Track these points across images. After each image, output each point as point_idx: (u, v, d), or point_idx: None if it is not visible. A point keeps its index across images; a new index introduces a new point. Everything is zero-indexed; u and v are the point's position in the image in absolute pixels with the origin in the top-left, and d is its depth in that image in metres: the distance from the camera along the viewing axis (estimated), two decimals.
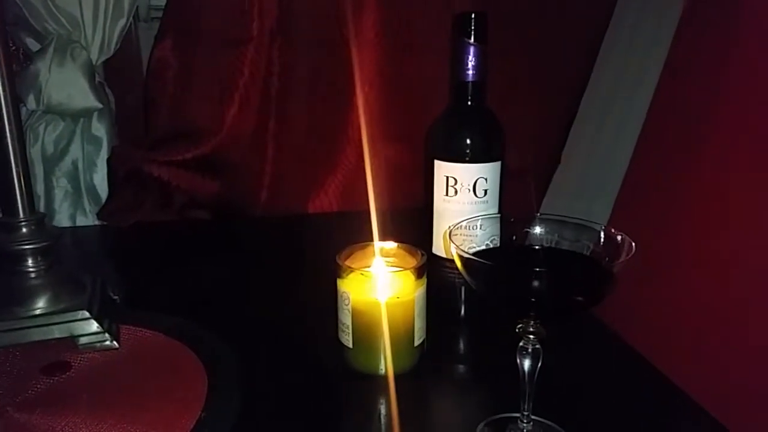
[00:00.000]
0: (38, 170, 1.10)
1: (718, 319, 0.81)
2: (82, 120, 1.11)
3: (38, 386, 0.63)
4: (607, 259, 0.54)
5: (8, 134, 0.68)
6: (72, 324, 0.69)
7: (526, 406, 0.57)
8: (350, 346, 0.66)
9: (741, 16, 0.88)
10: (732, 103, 0.86)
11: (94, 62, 1.09)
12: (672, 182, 0.94)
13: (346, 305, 0.65)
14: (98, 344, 0.69)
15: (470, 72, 0.74)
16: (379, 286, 0.65)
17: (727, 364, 0.78)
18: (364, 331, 0.65)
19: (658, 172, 0.99)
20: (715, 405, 0.61)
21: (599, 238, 0.56)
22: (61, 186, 1.13)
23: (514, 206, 0.79)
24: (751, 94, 0.83)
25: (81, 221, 1.15)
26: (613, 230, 0.55)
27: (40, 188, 1.11)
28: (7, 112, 0.67)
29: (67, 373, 0.65)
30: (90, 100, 1.08)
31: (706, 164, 0.88)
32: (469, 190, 0.74)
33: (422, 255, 0.67)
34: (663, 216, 0.94)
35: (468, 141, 0.75)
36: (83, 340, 0.69)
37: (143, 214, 1.14)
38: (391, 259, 0.70)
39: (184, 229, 1.16)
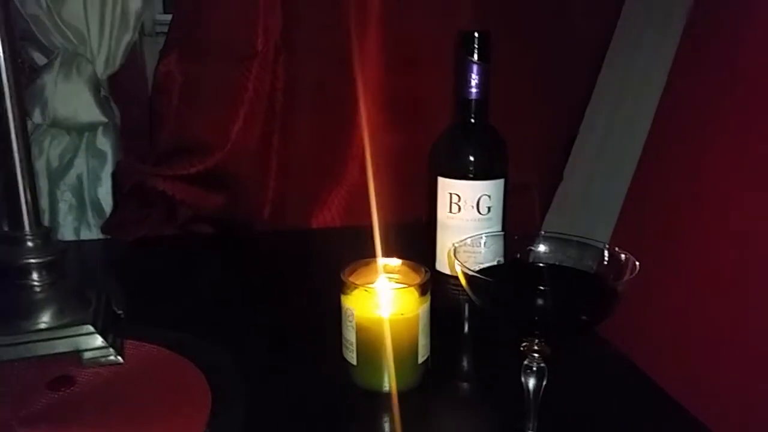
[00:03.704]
0: (43, 184, 1.11)
1: (725, 337, 0.81)
2: (86, 134, 1.12)
3: (43, 400, 0.63)
4: (611, 277, 0.54)
5: (15, 149, 0.68)
6: (77, 338, 0.69)
7: (530, 425, 0.57)
8: (354, 363, 0.66)
9: (745, 27, 0.88)
10: (737, 119, 0.87)
11: (99, 76, 1.10)
12: (675, 198, 0.95)
13: (350, 322, 0.65)
14: (103, 359, 0.69)
15: (473, 90, 0.74)
16: (383, 302, 0.65)
17: (733, 383, 0.78)
18: (369, 348, 0.65)
19: (661, 188, 0.99)
20: (719, 423, 0.61)
21: (603, 256, 0.56)
22: (66, 200, 1.13)
23: (517, 222, 0.79)
24: (757, 106, 0.84)
25: (85, 235, 1.15)
26: (617, 249, 0.55)
27: (44, 202, 1.12)
28: (15, 126, 0.68)
29: (72, 388, 0.65)
30: (95, 115, 1.09)
31: (710, 180, 0.89)
32: (473, 206, 0.74)
33: (426, 272, 0.68)
34: (666, 232, 0.94)
35: (471, 158, 0.75)
36: (88, 354, 0.69)
37: (147, 228, 1.14)
38: (395, 276, 0.70)
39: (188, 244, 1.16)
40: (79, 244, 1.14)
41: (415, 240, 0.79)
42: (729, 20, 0.92)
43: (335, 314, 0.67)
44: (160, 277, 1.01)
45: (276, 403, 0.66)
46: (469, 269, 0.53)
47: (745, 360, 0.77)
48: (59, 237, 1.12)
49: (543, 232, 0.60)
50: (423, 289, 0.66)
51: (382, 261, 0.69)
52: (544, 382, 0.55)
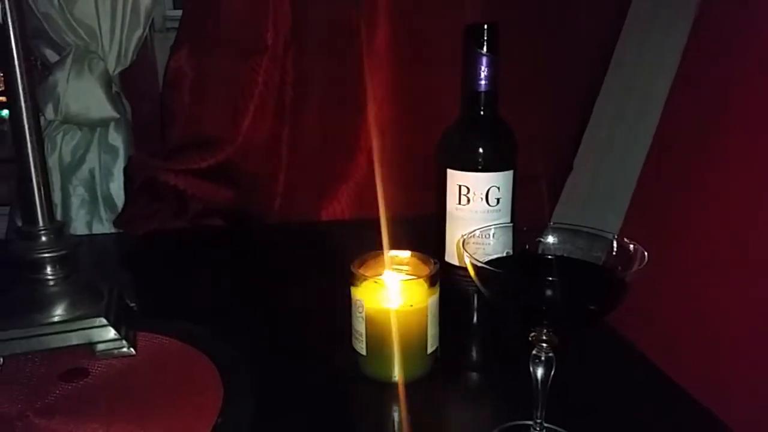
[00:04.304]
0: (55, 179, 1.12)
1: (733, 327, 0.81)
2: (99, 129, 1.13)
3: (57, 392, 0.64)
4: (619, 268, 0.54)
5: (29, 145, 0.69)
6: (90, 331, 0.70)
7: (539, 414, 0.57)
8: (364, 353, 0.66)
9: (753, 24, 0.88)
10: (745, 110, 0.86)
11: (111, 73, 1.11)
12: (684, 189, 0.94)
13: (360, 313, 0.65)
14: (115, 351, 0.70)
15: (482, 82, 0.75)
16: (393, 294, 0.65)
17: (741, 372, 0.78)
18: (378, 339, 0.65)
19: (670, 180, 0.99)
20: (727, 412, 0.61)
21: (612, 247, 0.56)
22: (78, 194, 1.15)
23: (526, 214, 0.79)
24: (764, 102, 0.83)
25: (97, 229, 1.16)
26: (625, 240, 0.55)
27: (57, 196, 1.13)
28: (28, 123, 0.69)
29: (85, 380, 0.66)
30: (107, 110, 1.10)
31: (719, 171, 0.88)
32: (482, 198, 0.75)
33: (435, 263, 0.68)
34: (675, 223, 0.94)
35: (480, 150, 0.75)
36: (101, 346, 0.70)
37: (159, 222, 1.15)
38: (404, 267, 0.70)
39: (199, 237, 1.17)
40: (92, 238, 1.15)
41: (425, 232, 0.79)
42: (737, 15, 0.91)
43: (345, 305, 0.68)
44: (172, 270, 1.02)
45: (286, 392, 0.66)
46: (478, 261, 0.53)
47: (753, 350, 0.77)
48: (72, 231, 1.13)
49: (551, 224, 0.60)
50: (432, 281, 0.66)
51: (391, 253, 0.70)
52: (553, 372, 0.55)
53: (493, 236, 0.60)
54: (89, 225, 1.16)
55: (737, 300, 0.80)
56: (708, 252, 0.86)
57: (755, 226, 0.80)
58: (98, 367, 0.68)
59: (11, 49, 0.66)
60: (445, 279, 0.70)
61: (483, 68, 0.74)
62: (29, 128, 0.69)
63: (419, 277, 0.66)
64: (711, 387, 0.64)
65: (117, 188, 1.16)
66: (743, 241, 0.81)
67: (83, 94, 1.08)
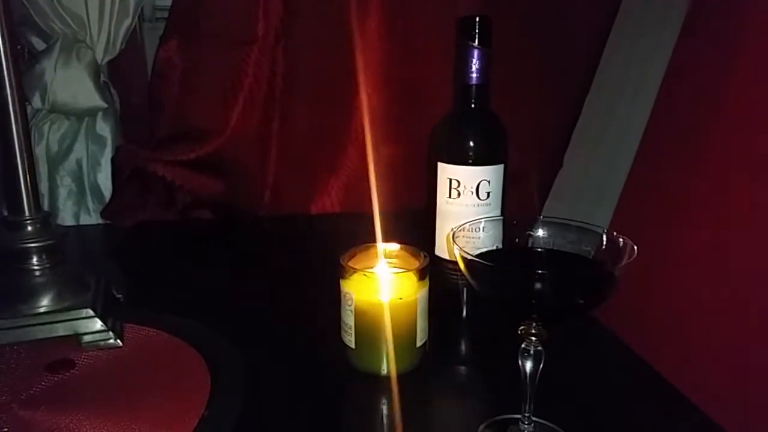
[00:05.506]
0: (42, 169, 1.11)
1: (719, 322, 0.81)
2: (86, 119, 1.12)
3: (42, 383, 0.63)
4: (609, 262, 0.54)
5: (15, 133, 0.68)
6: (76, 322, 0.69)
7: (527, 408, 0.57)
8: (353, 346, 0.66)
9: (744, 20, 0.88)
10: (735, 107, 0.87)
11: (99, 62, 1.09)
12: (674, 185, 0.94)
13: (349, 306, 0.65)
14: (102, 342, 0.70)
15: (474, 75, 0.74)
16: (382, 287, 0.65)
17: (727, 367, 0.78)
18: (367, 332, 0.65)
19: (660, 175, 0.99)
20: (714, 407, 0.61)
21: (601, 241, 0.56)
22: (65, 185, 1.14)
23: (516, 208, 0.79)
24: (754, 99, 0.83)
25: (85, 220, 1.16)
26: (615, 233, 0.55)
27: (44, 187, 1.12)
28: (14, 111, 0.68)
29: (71, 371, 0.66)
30: (95, 100, 1.09)
31: (708, 167, 0.89)
32: (472, 192, 0.74)
33: (425, 256, 0.68)
34: (665, 219, 0.94)
35: (471, 143, 0.75)
36: (87, 338, 0.69)
37: (147, 213, 1.14)
38: (393, 261, 0.70)
39: (187, 229, 1.16)
40: (79, 229, 1.14)
41: (415, 225, 0.79)
42: (728, 10, 0.91)
43: (334, 298, 0.67)
44: (159, 262, 1.01)
45: (275, 385, 0.66)
46: (468, 254, 0.53)
47: (740, 344, 0.77)
48: (59, 222, 1.12)
49: (541, 217, 0.60)
50: (422, 274, 0.66)
51: (381, 246, 0.69)
52: (541, 366, 0.55)
53: (483, 230, 0.60)
54: (76, 216, 1.15)
55: (726, 294, 0.81)
56: (697, 247, 0.87)
57: (744, 221, 0.80)
58: (84, 358, 0.68)
59: None
60: (435, 273, 0.70)
61: (474, 61, 0.74)
62: (15, 117, 0.68)
63: (409, 270, 0.66)
64: (697, 381, 0.65)
65: (104, 179, 1.15)
66: (732, 236, 0.82)
67: (71, 83, 1.06)
